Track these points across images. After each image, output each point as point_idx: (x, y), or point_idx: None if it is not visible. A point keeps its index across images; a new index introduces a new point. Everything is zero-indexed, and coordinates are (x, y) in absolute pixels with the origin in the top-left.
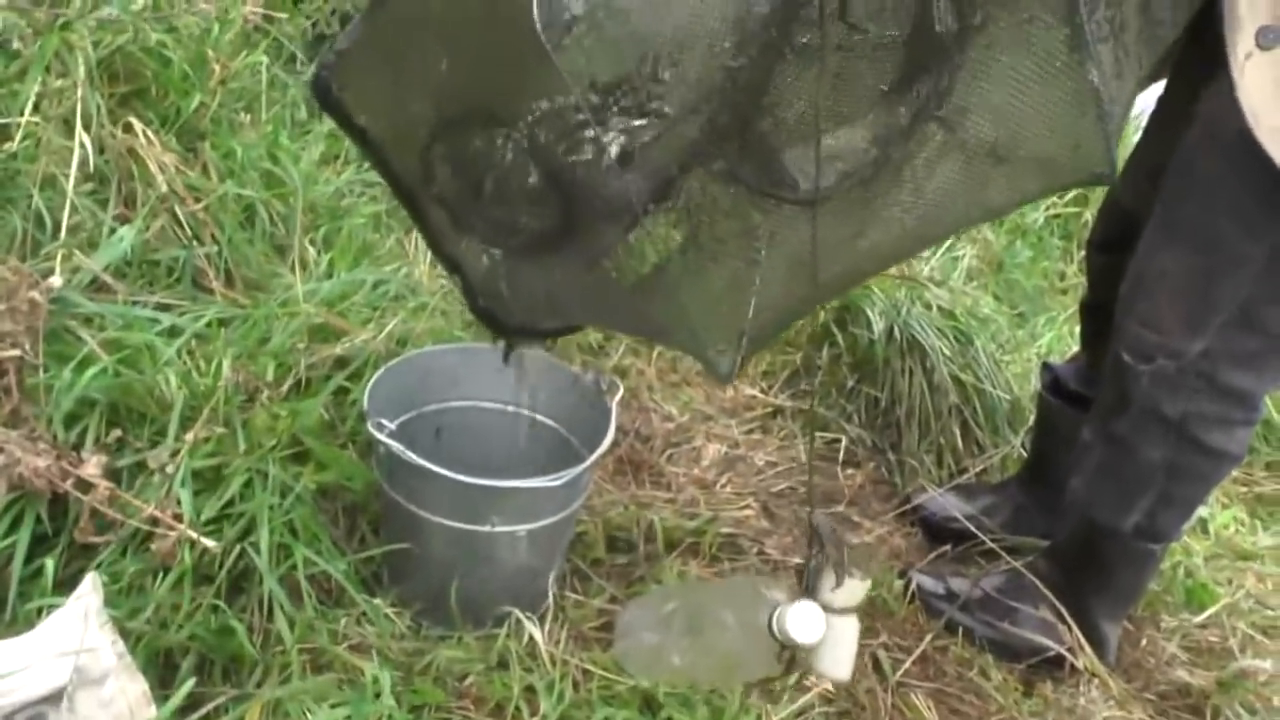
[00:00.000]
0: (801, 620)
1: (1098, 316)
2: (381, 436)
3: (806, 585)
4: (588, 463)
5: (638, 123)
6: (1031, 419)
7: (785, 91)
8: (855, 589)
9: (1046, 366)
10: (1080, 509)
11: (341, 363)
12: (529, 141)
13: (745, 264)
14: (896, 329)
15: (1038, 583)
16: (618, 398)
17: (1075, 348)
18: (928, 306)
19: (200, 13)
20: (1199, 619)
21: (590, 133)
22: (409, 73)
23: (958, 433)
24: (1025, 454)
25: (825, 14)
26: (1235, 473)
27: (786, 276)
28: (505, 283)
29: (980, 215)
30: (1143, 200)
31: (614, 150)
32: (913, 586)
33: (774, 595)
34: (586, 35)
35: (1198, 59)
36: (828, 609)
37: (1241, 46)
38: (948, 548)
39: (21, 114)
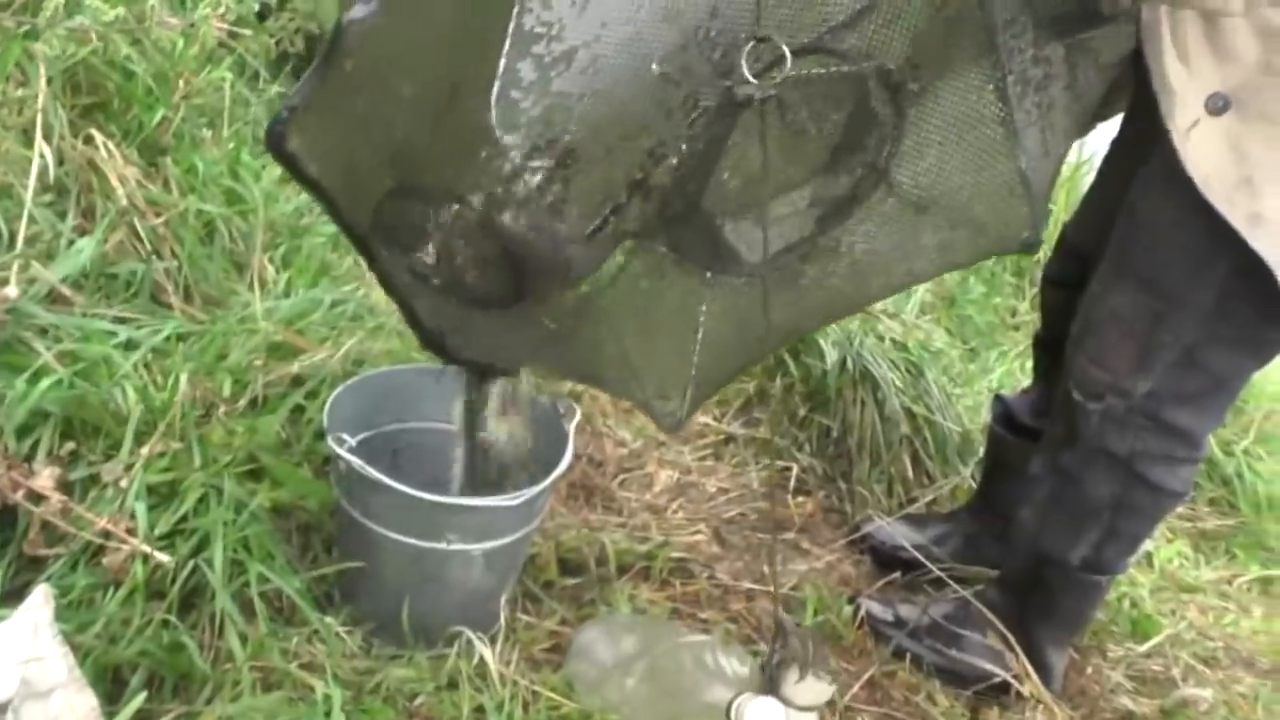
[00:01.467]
0: (761, 716)
1: (1051, 350)
2: (341, 451)
3: (769, 678)
4: (546, 483)
5: (581, 205)
6: (981, 451)
7: (726, 169)
8: (820, 690)
9: (998, 399)
10: (1029, 540)
11: (298, 381)
12: (478, 213)
13: (689, 328)
14: (849, 360)
15: (985, 611)
16: (574, 422)
17: (1026, 381)
18: (880, 339)
19: (169, 27)
20: (1143, 649)
21: (538, 212)
22: (362, 132)
23: (908, 463)
24: (975, 485)
25: (762, 110)
26: (1180, 509)
27: (731, 335)
28: (454, 328)
29: (911, 281)
30: (1095, 239)
31: (562, 228)
32: (861, 613)
33: (735, 666)
34: (535, 119)
35: (1144, 106)
36: (788, 704)
37: (1181, 117)
38: (897, 575)
39: None
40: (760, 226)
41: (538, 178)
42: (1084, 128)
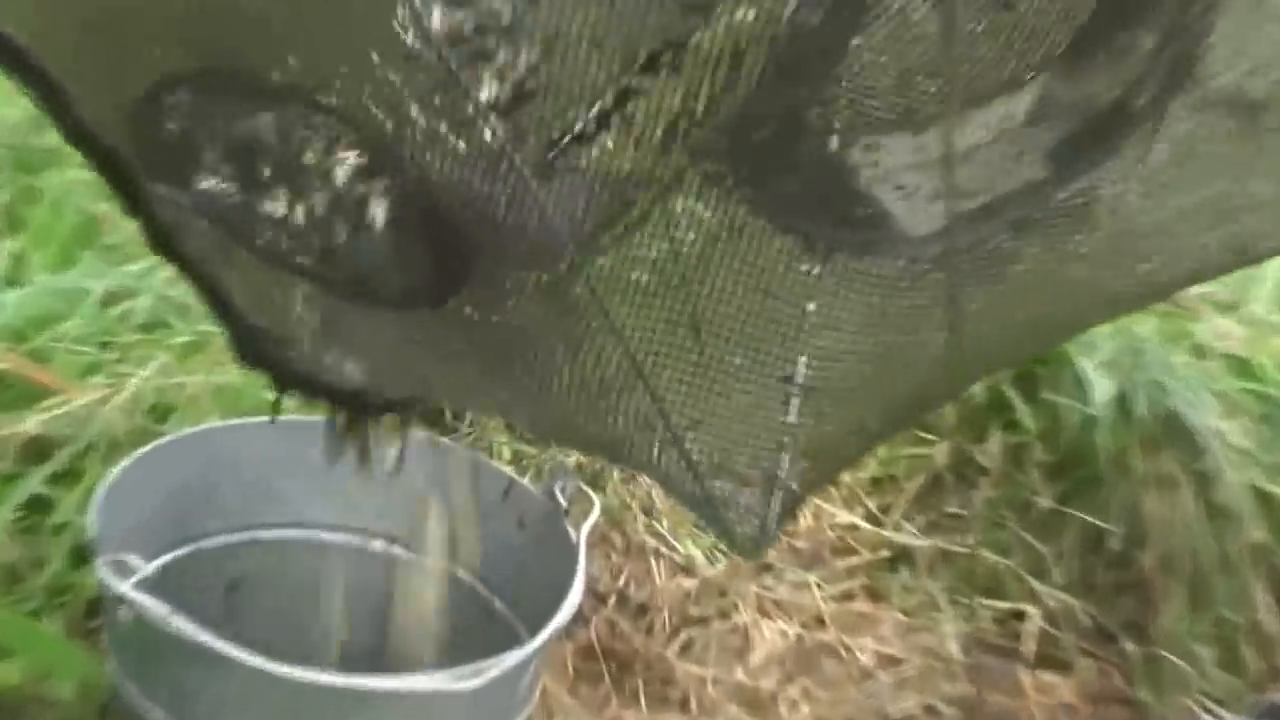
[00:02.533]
0: None
1: None
2: (125, 589)
3: None
4: (532, 647)
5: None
6: None
7: (867, 53)
8: None
9: None
10: None
11: (39, 450)
12: (368, 129)
13: (782, 350)
14: (1140, 398)
15: None
16: (590, 525)
17: None
18: (1200, 353)
19: None
20: None
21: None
22: None
23: (1266, 603)
24: None
25: None
26: None
27: (872, 362)
28: (313, 325)
29: (1234, 264)
30: None
31: (530, 141)
32: None
33: None
34: None
35: None
36: None
37: None
38: None
39: None
40: (934, 168)
41: (493, 82)
42: None
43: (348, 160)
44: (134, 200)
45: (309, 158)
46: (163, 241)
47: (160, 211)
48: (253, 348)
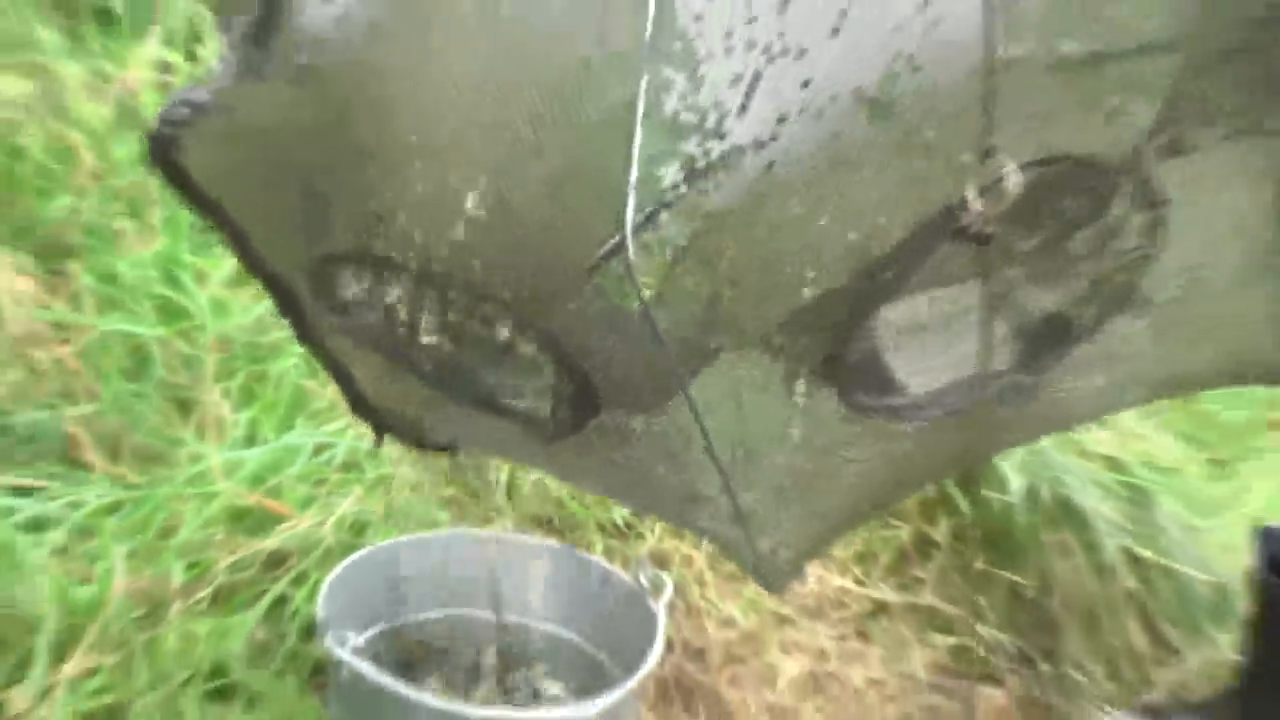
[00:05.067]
0: None
1: None
2: (344, 654)
3: None
4: (628, 684)
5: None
6: (1244, 608)
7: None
8: None
9: (1266, 533)
10: None
11: (276, 560)
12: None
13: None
14: (1044, 489)
15: None
16: (666, 598)
17: None
18: (1085, 455)
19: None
20: None
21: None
22: (329, 174)
23: (1138, 630)
24: (1240, 657)
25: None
26: None
27: (870, 472)
28: (436, 420)
29: (1131, 404)
30: None
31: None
32: None
33: None
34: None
35: None
36: None
37: None
38: None
39: None
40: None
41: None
42: None
43: (525, 349)
44: (287, 304)
45: (481, 334)
46: (309, 339)
47: (315, 319)
48: (365, 407)
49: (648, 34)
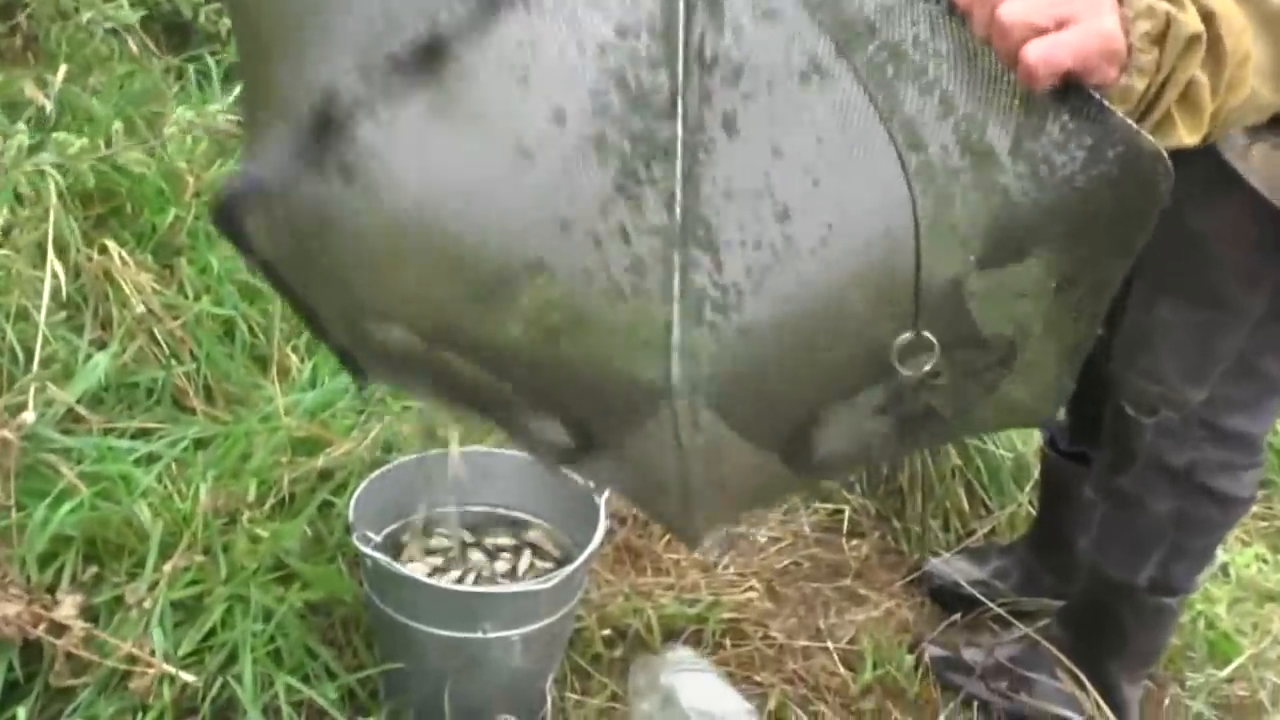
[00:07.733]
0: None
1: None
2: (366, 549)
3: None
4: (577, 563)
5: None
6: (1036, 475)
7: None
8: None
9: (1046, 420)
10: (1091, 568)
11: (326, 475)
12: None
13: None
14: None
15: (1053, 649)
16: (607, 495)
17: None
18: None
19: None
20: (1224, 673)
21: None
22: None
23: (963, 494)
24: (1033, 511)
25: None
26: (1255, 508)
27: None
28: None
29: None
30: None
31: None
32: (925, 660)
33: None
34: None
35: None
36: None
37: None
38: (958, 617)
39: None
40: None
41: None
42: None
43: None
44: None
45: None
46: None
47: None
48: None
49: None
